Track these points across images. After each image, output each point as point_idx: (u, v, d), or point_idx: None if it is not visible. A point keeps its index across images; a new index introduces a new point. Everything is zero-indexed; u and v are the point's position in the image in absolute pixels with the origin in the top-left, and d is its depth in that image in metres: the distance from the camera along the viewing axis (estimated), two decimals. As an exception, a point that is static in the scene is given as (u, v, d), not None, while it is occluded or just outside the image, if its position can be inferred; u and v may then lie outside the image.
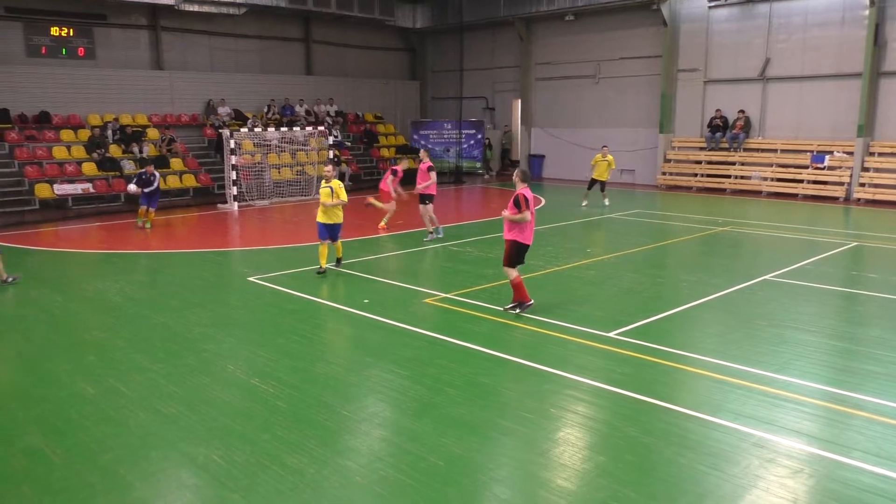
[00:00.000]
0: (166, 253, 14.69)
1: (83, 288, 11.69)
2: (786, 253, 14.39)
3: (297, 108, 28.64)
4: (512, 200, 9.53)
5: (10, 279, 11.73)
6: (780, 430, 6.26)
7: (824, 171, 23.63)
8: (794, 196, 23.79)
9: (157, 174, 17.70)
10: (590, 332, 8.92)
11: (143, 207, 17.59)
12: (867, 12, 22.39)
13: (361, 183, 27.50)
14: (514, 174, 9.70)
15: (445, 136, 31.49)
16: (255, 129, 23.95)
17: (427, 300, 10.55)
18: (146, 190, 17.35)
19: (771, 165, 24.87)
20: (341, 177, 26.03)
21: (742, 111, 25.64)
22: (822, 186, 23.55)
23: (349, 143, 29.08)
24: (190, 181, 23.27)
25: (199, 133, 26.30)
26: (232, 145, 21.61)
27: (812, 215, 20.15)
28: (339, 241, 12.46)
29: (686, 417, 6.52)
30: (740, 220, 18.69)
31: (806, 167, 24.05)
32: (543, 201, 22.74)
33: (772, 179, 24.62)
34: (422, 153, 16.10)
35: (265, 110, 27.84)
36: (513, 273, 9.67)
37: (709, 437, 6.14)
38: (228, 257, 14.51)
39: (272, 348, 8.53)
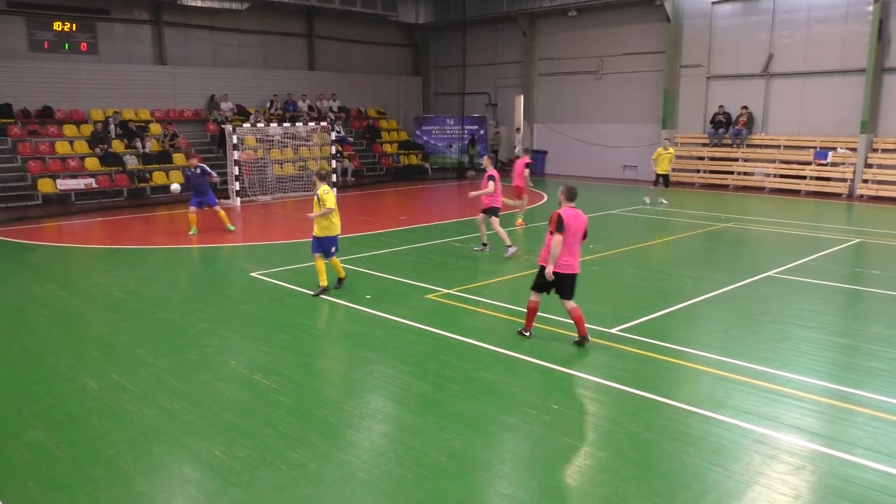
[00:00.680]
0: (169, 248, 14.71)
1: (86, 283, 11.71)
2: (789, 249, 14.37)
3: (300, 104, 28.63)
4: (586, 225, 8.25)
5: None
6: (783, 426, 6.26)
7: (827, 168, 23.58)
8: (797, 192, 23.73)
9: (202, 166, 15.58)
10: (592, 328, 8.91)
11: (193, 209, 15.56)
12: (871, 8, 22.30)
13: (364, 178, 27.50)
14: (560, 191, 8.31)
15: (448, 132, 31.46)
16: (258, 125, 23.94)
17: (429, 296, 10.55)
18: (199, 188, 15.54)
19: (774, 162, 24.82)
20: (344, 172, 26.08)
21: (745, 107, 25.58)
22: (825, 183, 23.50)
23: (351, 139, 29.08)
24: (192, 176, 23.28)
25: (202, 128, 26.31)
26: (234, 141, 21.61)
27: (815, 212, 20.11)
28: (337, 257, 10.80)
29: (688, 414, 6.52)
30: (743, 217, 18.66)
31: (809, 163, 23.99)
32: (546, 197, 22.72)
33: (775, 176, 24.58)
34: (485, 160, 14.21)
35: (268, 105, 27.84)
36: (531, 297, 8.55)
37: (711, 433, 6.14)
38: (231, 252, 14.53)
39: (274, 343, 8.54)
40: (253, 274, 12.01)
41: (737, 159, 25.63)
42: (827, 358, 8.20)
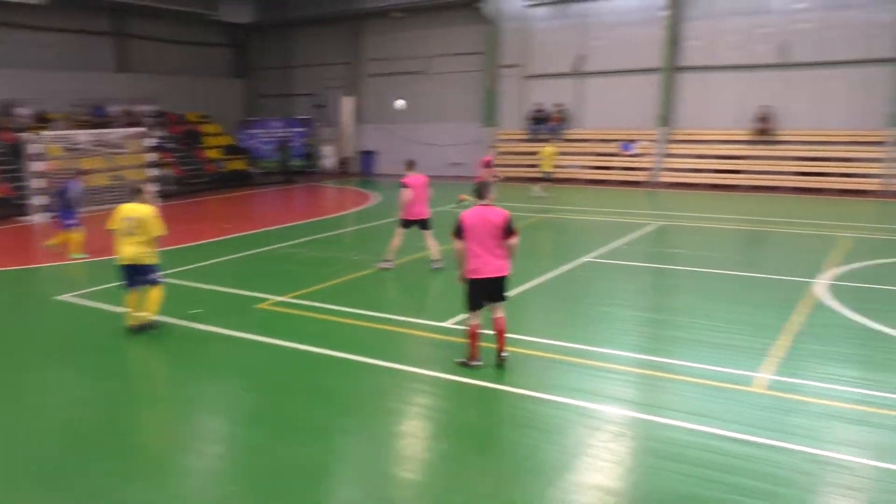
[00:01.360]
0: (-39, 273, 13.14)
1: None
2: (603, 235, 15.49)
3: (111, 108, 26.63)
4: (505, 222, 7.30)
5: None
6: (605, 399, 6.75)
7: (632, 159, 25.72)
8: (607, 182, 25.64)
9: (72, 183, 14.09)
10: (425, 323, 9.09)
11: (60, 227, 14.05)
12: (665, 13, 24.57)
13: (187, 186, 26.14)
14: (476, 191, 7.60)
15: (274, 135, 30.67)
16: (62, 132, 21.99)
17: (261, 305, 10.25)
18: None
19: (588, 154, 26.64)
20: (167, 181, 24.58)
21: (560, 104, 27.23)
22: (630, 172, 25.60)
23: (172, 145, 27.52)
24: (-14, 192, 20.94)
25: (-6, 138, 23.71)
26: (35, 150, 19.69)
27: (623, 199, 21.82)
28: (155, 288, 8.86)
29: (521, 398, 6.84)
30: (560, 207, 19.86)
31: (616, 155, 26.04)
32: (379, 198, 22.82)
33: (589, 167, 26.38)
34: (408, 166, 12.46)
35: (73, 111, 25.63)
36: (469, 319, 7.60)
37: (543, 413, 6.50)
38: (32, 276, 13.23)
39: (89, 373, 7.90)
40: (60, 297, 11.01)
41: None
42: (640, 332, 8.96)
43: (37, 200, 19.70)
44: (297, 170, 29.91)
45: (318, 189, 27.08)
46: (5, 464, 5.73)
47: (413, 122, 30.31)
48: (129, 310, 8.94)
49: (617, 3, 25.94)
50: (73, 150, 22.52)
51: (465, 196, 17.51)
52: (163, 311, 9.24)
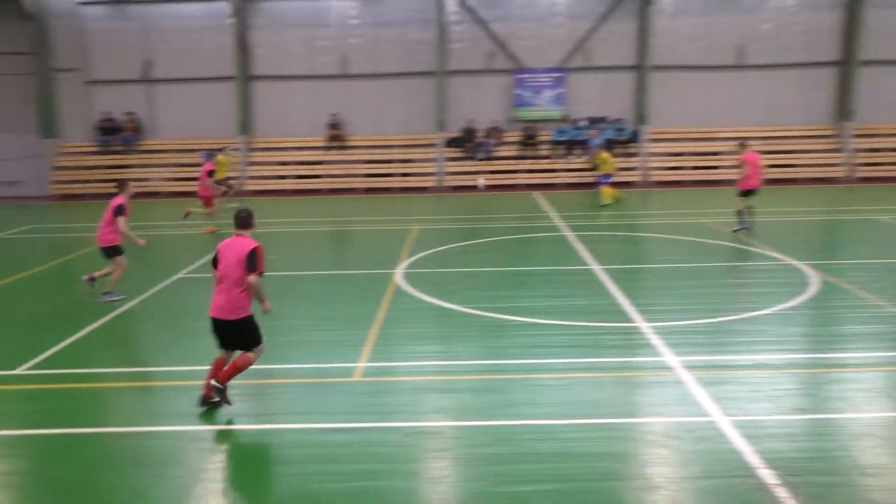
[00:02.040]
0: None
1: None
2: (194, 249, 14.96)
3: None
4: (247, 256, 6.43)
5: None
6: (214, 418, 6.54)
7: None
8: (192, 194, 24.79)
9: None
10: (-8, 372, 7.70)
11: None
12: (231, 21, 24.60)
13: None
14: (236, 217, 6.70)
15: None
16: None
17: None
18: None
19: (169, 166, 25.38)
20: None
21: (131, 112, 25.40)
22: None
23: None
24: None
25: None
26: None
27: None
28: None
29: (122, 436, 6.24)
30: (150, 223, 18.60)
31: (200, 165, 25.33)
32: None
33: (173, 179, 25.16)
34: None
35: None
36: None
37: (148, 447, 6.03)
38: None
39: None
40: None
41: (131, 166, 25.29)
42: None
43: None
44: None
45: None
46: None
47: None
48: None
49: (181, 8, 25.17)
50: None
51: (191, 210, 16.83)
52: None
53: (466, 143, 25.05)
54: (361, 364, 7.80)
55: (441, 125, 24.88)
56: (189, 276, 12.42)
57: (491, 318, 9.46)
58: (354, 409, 6.62)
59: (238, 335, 6.57)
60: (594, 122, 25.08)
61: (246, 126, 25.33)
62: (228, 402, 6.49)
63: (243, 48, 24.98)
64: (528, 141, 24.96)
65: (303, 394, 7.11)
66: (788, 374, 7.30)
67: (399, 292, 10.91)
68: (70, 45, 25.18)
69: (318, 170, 25.36)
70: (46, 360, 8.17)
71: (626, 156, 24.57)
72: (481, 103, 25.46)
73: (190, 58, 25.29)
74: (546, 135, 25.28)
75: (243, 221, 6.64)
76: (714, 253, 13.08)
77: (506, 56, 25.17)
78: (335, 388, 7.18)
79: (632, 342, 8.39)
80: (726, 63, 24.96)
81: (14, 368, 7.86)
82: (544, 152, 25.20)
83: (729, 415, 6.26)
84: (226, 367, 6.53)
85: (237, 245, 6.51)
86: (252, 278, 6.38)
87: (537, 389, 7.02)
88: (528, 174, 24.83)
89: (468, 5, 24.90)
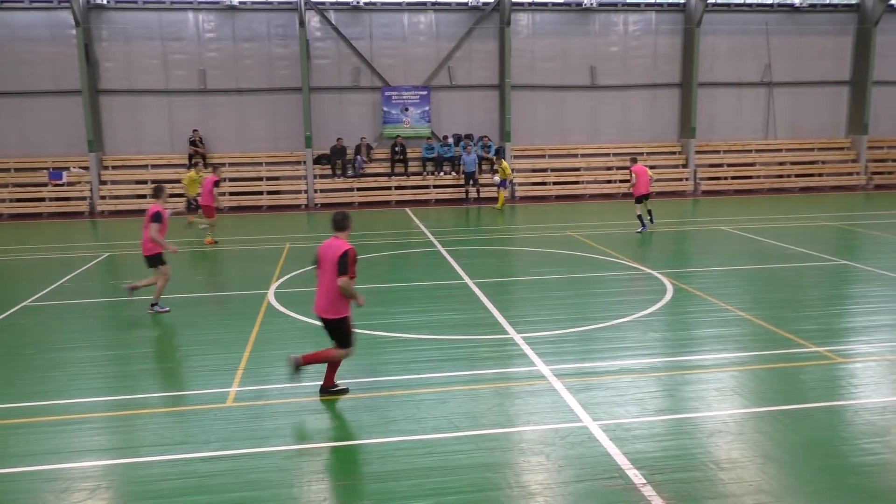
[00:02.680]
0: None
1: None
2: (42, 275, 13.85)
3: None
4: (338, 260, 6.79)
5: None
6: (73, 455, 6.07)
7: (65, 188, 23.61)
8: (38, 216, 23.00)
9: None
10: None
11: None
12: (74, 31, 23.06)
13: None
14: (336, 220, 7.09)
15: None
16: None
17: None
18: None
19: (7, 186, 23.37)
20: None
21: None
22: (65, 203, 23.47)
23: None
24: None
25: None
26: None
27: (60, 233, 19.91)
28: None
29: (-39, 483, 5.64)
30: (-16, 248, 17.03)
31: (46, 185, 23.53)
32: None
33: (10, 200, 23.19)
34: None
35: None
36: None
37: (-6, 493, 5.49)
38: None
39: None
40: None
41: (-37, 186, 23.08)
42: (104, 373, 8.30)
43: None
44: None
45: None
46: None
47: None
48: None
49: (18, 17, 23.32)
50: None
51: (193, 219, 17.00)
52: None
53: (336, 160, 24.85)
54: (234, 389, 7.51)
55: (309, 142, 24.53)
56: (34, 304, 11.46)
57: (367, 335, 9.40)
58: (227, 436, 6.36)
59: (334, 331, 7.09)
60: (460, 139, 25.66)
61: (95, 143, 23.76)
62: (296, 374, 7.14)
63: (90, 61, 23.45)
64: (398, 158, 25.13)
65: (172, 423, 6.73)
66: (650, 377, 7.75)
67: (272, 312, 10.62)
68: None
69: (180, 188, 24.21)
70: None
71: (491, 172, 25.29)
72: (349, 120, 25.38)
73: (30, 69, 23.46)
74: (416, 152, 25.57)
75: (339, 224, 7.05)
76: (579, 264, 13.71)
77: (372, 73, 25.26)
78: (207, 416, 6.86)
79: (506, 353, 8.61)
80: (582, 83, 26.36)
81: None
82: (414, 169, 25.47)
83: (597, 419, 6.56)
84: (315, 352, 7.18)
85: (333, 247, 6.92)
86: (341, 281, 6.75)
87: (416, 405, 7.04)
88: (399, 191, 24.98)
89: (331, 22, 24.80)
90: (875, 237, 16.49)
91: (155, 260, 10.62)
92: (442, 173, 25.38)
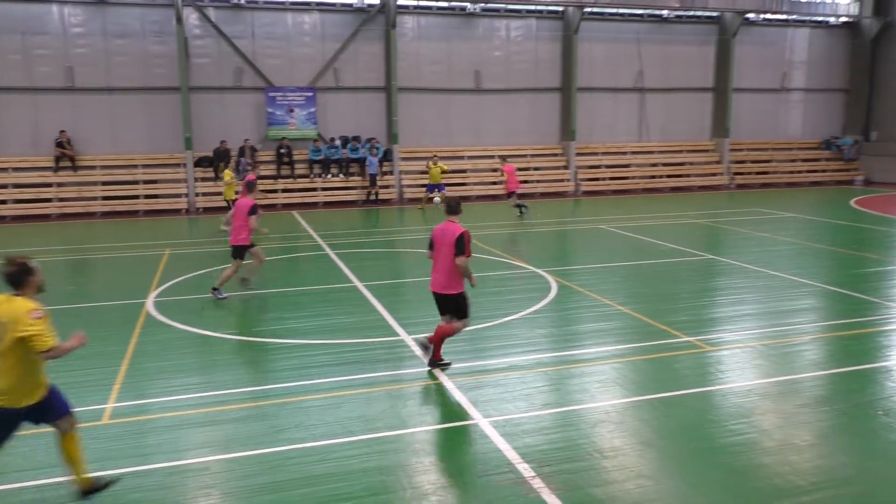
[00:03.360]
0: None
1: None
2: None
3: None
4: (455, 241, 7.54)
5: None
6: None
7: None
8: None
9: None
10: None
11: None
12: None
13: None
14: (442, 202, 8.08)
15: None
16: None
17: None
18: None
19: None
20: None
21: None
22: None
23: None
24: None
25: None
26: None
27: None
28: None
29: None
30: None
31: None
32: None
33: None
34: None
35: None
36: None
37: None
38: None
39: None
40: None
41: None
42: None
43: None
44: None
45: None
46: None
47: None
48: None
49: None
50: None
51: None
52: None
53: (219, 162, 24.02)
54: (111, 405, 7.13)
55: (189, 143, 23.58)
56: None
57: (255, 342, 9.18)
58: (105, 455, 6.02)
59: (453, 305, 7.79)
60: (348, 141, 25.47)
61: (-51, 144, 21.85)
62: (441, 360, 7.95)
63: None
64: (284, 160, 24.61)
65: (42, 446, 6.29)
66: (537, 372, 8.01)
67: (151, 322, 10.14)
68: None
69: (47, 193, 22.68)
70: None
71: (382, 174, 25.28)
72: (232, 121, 24.59)
73: None
74: (303, 154, 25.13)
75: (453, 208, 7.79)
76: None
77: (255, 73, 24.61)
78: (82, 435, 6.45)
79: (398, 355, 8.64)
80: (467, 86, 26.82)
81: None
82: (301, 171, 25.03)
83: (488, 416, 6.70)
84: (438, 330, 7.79)
85: (448, 230, 7.66)
86: (459, 260, 7.49)
87: (308, 411, 6.94)
88: (285, 193, 24.47)
89: (210, 20, 23.96)
90: (737, 233, 17.76)
91: (242, 250, 11.44)
92: (330, 175, 25.10)
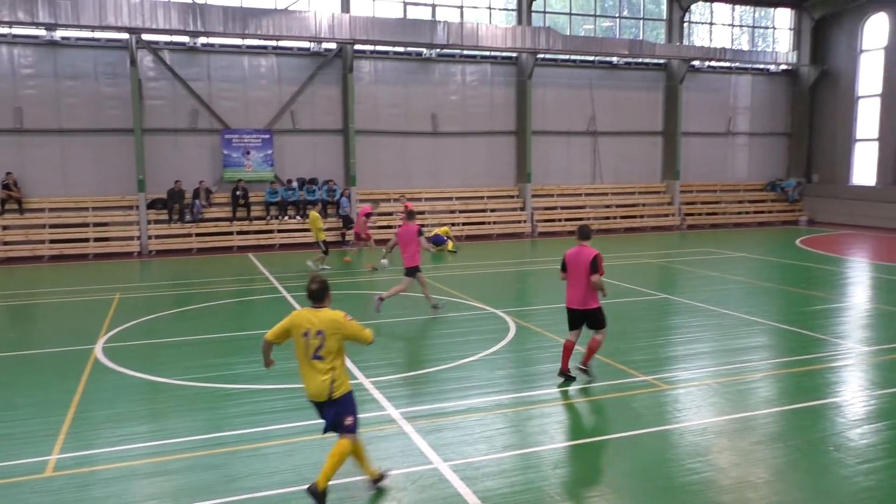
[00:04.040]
0: None
1: None
2: None
3: None
4: (590, 262, 8.64)
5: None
6: None
7: None
8: None
9: None
10: None
11: None
12: None
13: None
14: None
15: None
16: None
17: None
18: None
19: None
20: None
21: None
22: None
23: None
24: None
25: None
26: None
27: None
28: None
29: None
30: None
31: None
32: None
33: None
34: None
35: None
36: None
37: None
38: None
39: None
40: None
41: None
42: None
43: None
44: None
45: None
46: None
47: None
48: None
49: None
50: None
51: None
52: None
53: (172, 204, 23.66)
54: (55, 456, 6.83)
55: (142, 186, 23.20)
56: None
57: (207, 388, 8.94)
58: (48, 511, 5.74)
59: (592, 318, 8.88)
60: (304, 183, 25.39)
61: None
62: (591, 376, 9.03)
63: None
64: (240, 202, 24.37)
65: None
66: (497, 414, 7.96)
67: (100, 369, 9.81)
68: None
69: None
70: None
71: (338, 216, 25.21)
72: (187, 163, 24.31)
73: None
74: (259, 196, 24.93)
75: (586, 234, 8.91)
76: (425, 306, 13.86)
77: (210, 115, 24.48)
78: (22, 489, 6.17)
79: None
80: (424, 129, 27.10)
81: None
82: (257, 213, 24.80)
83: (448, 460, 6.62)
84: (585, 352, 8.99)
85: (582, 253, 8.72)
86: (595, 277, 8.56)
87: (262, 458, 6.76)
88: (241, 236, 24.18)
89: (165, 62, 23.84)
90: (689, 272, 18.12)
91: (415, 270, 12.84)
92: (287, 217, 24.92)
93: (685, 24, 30.10)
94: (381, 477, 6.15)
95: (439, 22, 24.89)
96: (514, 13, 27.60)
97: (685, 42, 29.95)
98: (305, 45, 25.22)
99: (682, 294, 15.16)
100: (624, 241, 25.36)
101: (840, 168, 31.31)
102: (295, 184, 25.31)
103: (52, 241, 22.36)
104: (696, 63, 29.95)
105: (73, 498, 6.00)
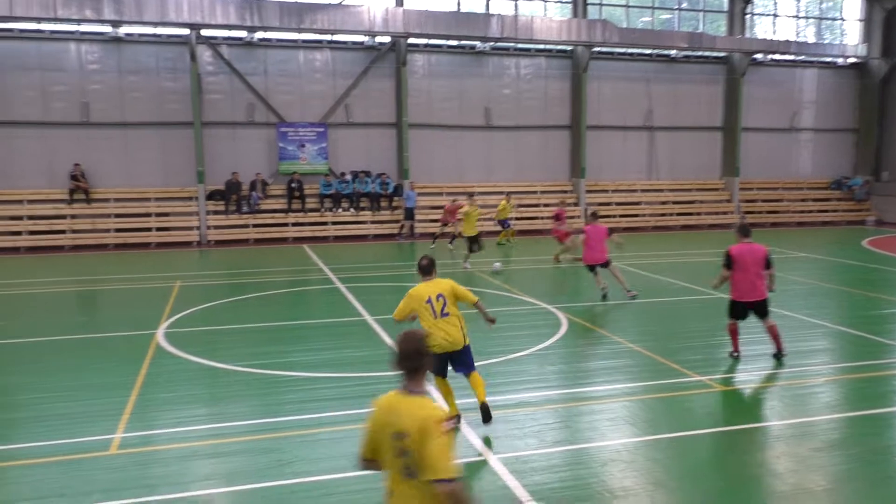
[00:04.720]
0: None
1: None
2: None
3: None
4: (764, 257, 9.35)
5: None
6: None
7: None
8: None
9: None
10: None
11: None
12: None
13: None
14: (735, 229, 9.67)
15: None
16: None
17: None
18: None
19: None
20: None
21: None
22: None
23: None
24: None
25: None
26: None
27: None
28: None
29: None
30: None
31: None
32: None
33: None
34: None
35: None
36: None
37: None
38: None
39: None
40: None
41: None
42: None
43: None
44: None
45: None
46: None
47: None
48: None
49: None
50: None
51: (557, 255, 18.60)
52: None
53: (230, 196, 24.22)
54: (119, 435, 7.09)
55: (201, 177, 23.81)
56: None
57: (263, 374, 9.14)
58: (112, 486, 5.97)
59: (764, 307, 9.40)
60: (358, 175, 25.66)
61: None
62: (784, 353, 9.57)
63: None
64: (295, 195, 24.79)
65: (50, 474, 6.26)
66: (547, 409, 7.92)
67: (161, 353, 10.13)
68: None
69: (60, 224, 22.89)
70: None
71: (391, 209, 25.42)
72: (244, 156, 24.86)
73: None
74: (313, 188, 25.31)
75: (747, 232, 9.47)
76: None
77: (267, 109, 24.94)
78: (89, 465, 6.43)
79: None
80: (477, 123, 27.06)
81: None
82: (312, 205, 25.18)
83: (497, 453, 6.62)
84: (776, 339, 9.54)
85: (752, 249, 9.33)
86: (773, 269, 9.42)
87: (313, 445, 6.88)
88: (296, 227, 24.59)
89: (224, 57, 24.37)
90: (748, 272, 17.64)
91: (608, 263, 13.87)
92: (340, 210, 25.25)
93: (747, 16, 29.26)
94: (457, 418, 7.19)
95: (493, 15, 24.82)
96: (570, 5, 27.28)
97: (747, 34, 29.13)
98: (360, 38, 25.45)
99: (740, 293, 14.77)
100: (680, 239, 24.88)
101: (911, 166, 30.08)
102: (348, 176, 25.60)
103: (117, 230, 23.15)
104: (758, 56, 29.11)
105: (133, 475, 6.22)
